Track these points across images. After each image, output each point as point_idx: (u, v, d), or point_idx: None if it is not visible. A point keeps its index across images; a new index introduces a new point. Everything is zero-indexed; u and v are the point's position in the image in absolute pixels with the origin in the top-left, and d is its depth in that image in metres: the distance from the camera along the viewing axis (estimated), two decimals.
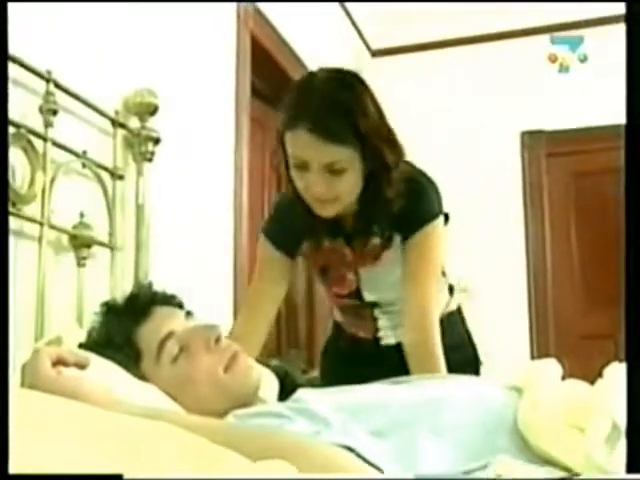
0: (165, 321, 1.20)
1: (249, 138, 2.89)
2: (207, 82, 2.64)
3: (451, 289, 1.85)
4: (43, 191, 1.70)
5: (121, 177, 2.01)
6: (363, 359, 1.79)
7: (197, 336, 1.17)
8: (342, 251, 1.65)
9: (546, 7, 4.04)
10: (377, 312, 1.76)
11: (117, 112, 2.02)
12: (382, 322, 1.77)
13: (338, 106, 1.42)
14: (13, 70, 1.63)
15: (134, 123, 2.07)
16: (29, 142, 1.68)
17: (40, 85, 1.74)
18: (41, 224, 1.69)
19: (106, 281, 1.94)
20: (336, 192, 1.48)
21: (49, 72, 1.74)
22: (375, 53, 4.53)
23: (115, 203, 1.97)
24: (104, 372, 1.09)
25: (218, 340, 1.18)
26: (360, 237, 1.62)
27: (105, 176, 1.96)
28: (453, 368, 1.56)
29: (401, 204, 1.54)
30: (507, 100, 4.19)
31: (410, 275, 1.60)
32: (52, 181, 1.73)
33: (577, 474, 0.93)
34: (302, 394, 1.06)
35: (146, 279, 1.96)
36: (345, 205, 1.53)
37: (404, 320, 1.62)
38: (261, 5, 3.04)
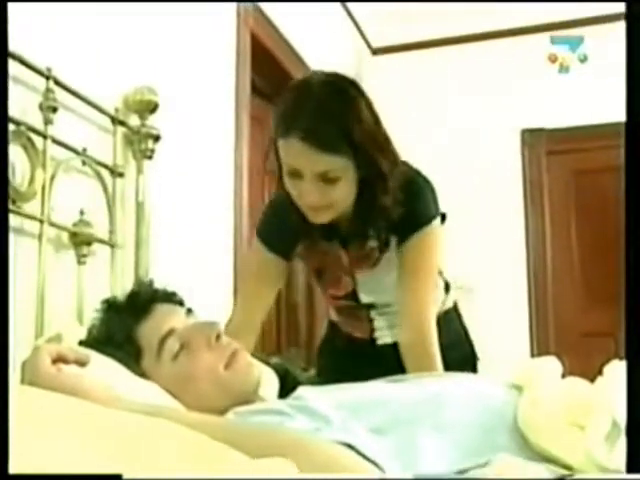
0: (166, 318, 1.20)
1: (249, 136, 2.89)
2: (207, 80, 2.64)
3: (447, 287, 1.83)
4: (43, 188, 1.70)
5: (121, 175, 2.01)
6: (359, 359, 1.78)
7: (198, 333, 1.17)
8: (337, 253, 1.64)
9: (547, 5, 4.04)
10: (373, 313, 1.75)
11: (117, 109, 2.02)
12: (378, 323, 1.77)
13: (331, 114, 1.39)
14: (13, 67, 1.63)
15: (134, 121, 2.07)
16: (29, 139, 1.68)
17: (40, 82, 1.73)
18: (41, 221, 1.69)
19: (106, 279, 1.94)
20: (330, 200, 1.46)
21: (49, 69, 1.74)
22: (376, 51, 4.52)
23: (115, 201, 1.97)
24: (104, 369, 1.09)
25: (219, 337, 1.18)
26: (356, 241, 1.61)
27: (105, 174, 1.96)
28: (451, 366, 1.55)
29: (398, 207, 1.52)
30: (507, 98, 4.19)
31: (407, 278, 1.58)
32: (52, 178, 1.73)
33: (577, 472, 0.93)
34: (302, 392, 1.06)
35: (146, 277, 1.96)
36: (339, 212, 1.51)
37: (401, 322, 1.61)
38: (261, 3, 3.04)
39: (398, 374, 1.32)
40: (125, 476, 0.60)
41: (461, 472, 0.94)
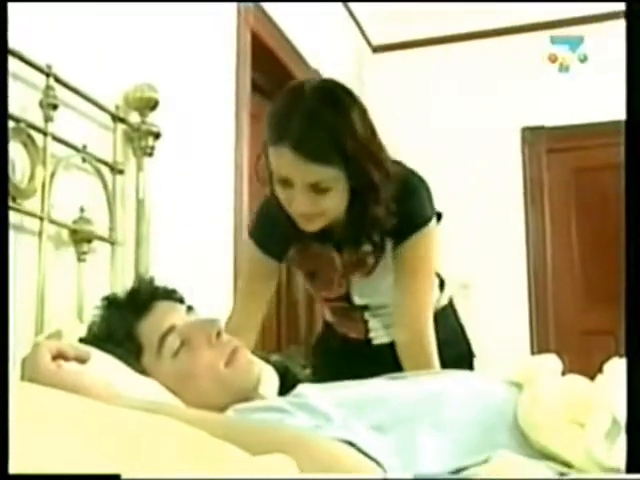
0: (166, 315, 1.19)
1: (249, 133, 2.88)
2: (207, 77, 2.64)
3: (442, 284, 1.81)
4: (43, 185, 1.70)
5: (121, 172, 2.01)
6: (355, 358, 1.75)
7: (198, 330, 1.17)
8: (331, 256, 1.61)
9: (547, 3, 4.03)
10: (367, 315, 1.74)
11: (117, 107, 2.02)
12: (373, 324, 1.75)
13: (323, 124, 1.35)
14: (13, 64, 1.63)
15: (134, 118, 2.07)
16: (29, 136, 1.68)
17: (40, 79, 1.73)
18: (41, 219, 1.69)
19: (106, 276, 1.94)
20: (321, 209, 1.43)
21: (49, 66, 1.74)
22: (376, 49, 4.52)
23: (115, 198, 1.97)
24: (104, 366, 1.09)
25: (219, 335, 1.18)
26: (350, 246, 1.58)
27: (105, 171, 1.96)
28: (447, 363, 1.55)
29: (391, 217, 1.49)
30: (508, 96, 4.19)
31: (404, 280, 1.56)
32: (52, 175, 1.73)
33: (577, 469, 0.93)
34: (302, 389, 1.06)
35: (146, 274, 1.96)
36: (331, 219, 1.48)
37: (399, 323, 1.60)
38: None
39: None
40: (125, 474, 0.60)
41: (461, 469, 0.94)
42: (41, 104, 1.72)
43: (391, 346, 1.62)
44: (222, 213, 2.68)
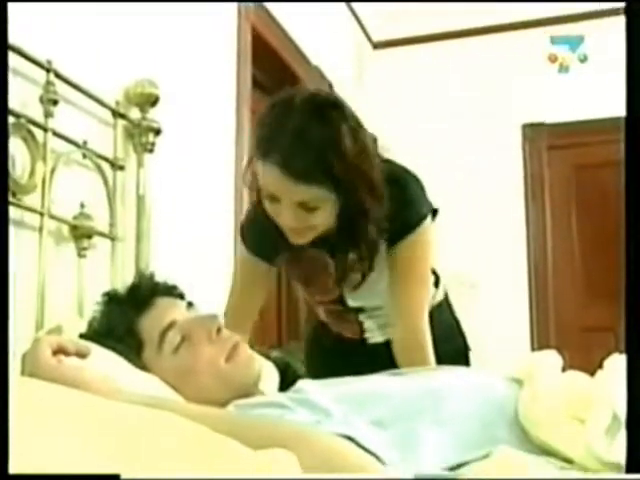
0: (167, 311, 1.20)
1: (250, 130, 2.88)
2: (208, 73, 2.64)
3: (437, 280, 1.79)
4: (43, 181, 1.70)
5: (122, 168, 2.01)
6: (350, 358, 1.74)
7: (199, 326, 1.17)
8: (325, 260, 1.58)
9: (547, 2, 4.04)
10: (362, 316, 1.72)
11: (118, 103, 2.02)
12: (368, 325, 1.74)
13: (311, 144, 1.30)
14: (13, 60, 1.63)
15: (135, 114, 2.06)
16: (29, 132, 1.68)
17: (40, 75, 1.73)
18: (41, 214, 1.69)
19: (106, 272, 1.94)
20: (309, 224, 1.40)
21: (49, 62, 1.74)
22: (377, 45, 4.51)
23: (116, 194, 1.97)
24: (105, 362, 1.09)
25: (219, 330, 1.18)
26: (342, 255, 1.54)
27: (105, 167, 1.96)
28: (443, 359, 1.54)
29: (383, 234, 1.47)
30: (508, 93, 4.18)
31: (400, 281, 1.54)
32: (52, 171, 1.73)
33: (577, 465, 0.93)
34: (303, 385, 1.07)
35: (147, 270, 1.96)
36: (320, 232, 1.44)
37: (395, 323, 1.58)
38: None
39: None
40: (126, 469, 0.60)
41: (461, 465, 0.94)
42: (41, 100, 1.72)
43: (386, 345, 1.62)
44: (222, 209, 2.68)
